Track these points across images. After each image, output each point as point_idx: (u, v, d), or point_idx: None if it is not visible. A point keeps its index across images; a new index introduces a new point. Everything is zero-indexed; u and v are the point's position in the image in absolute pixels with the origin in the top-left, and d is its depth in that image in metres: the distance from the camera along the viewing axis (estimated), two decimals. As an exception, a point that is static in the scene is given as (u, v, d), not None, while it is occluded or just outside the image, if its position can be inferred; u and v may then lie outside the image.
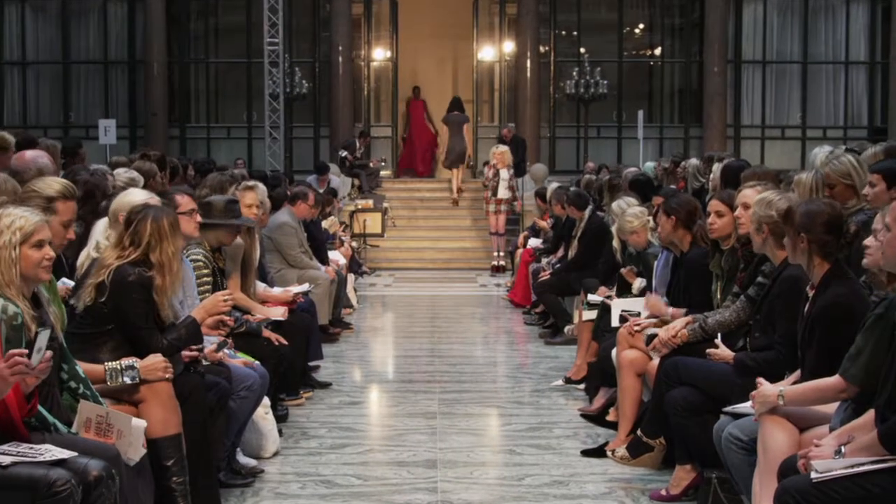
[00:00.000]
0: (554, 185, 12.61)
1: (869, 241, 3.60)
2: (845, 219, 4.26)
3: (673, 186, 10.37)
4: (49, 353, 3.43)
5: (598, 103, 20.32)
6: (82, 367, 4.02)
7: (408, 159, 21.42)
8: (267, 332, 6.11)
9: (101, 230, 4.97)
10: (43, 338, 3.40)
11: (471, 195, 18.58)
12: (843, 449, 3.35)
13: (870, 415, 3.43)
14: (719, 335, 4.94)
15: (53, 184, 4.63)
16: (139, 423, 3.95)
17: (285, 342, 6.14)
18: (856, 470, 3.24)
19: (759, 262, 4.91)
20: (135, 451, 3.87)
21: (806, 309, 4.10)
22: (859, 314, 3.75)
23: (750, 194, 4.92)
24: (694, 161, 11.50)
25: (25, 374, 3.31)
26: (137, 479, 3.88)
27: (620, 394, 5.83)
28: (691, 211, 5.67)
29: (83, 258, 4.87)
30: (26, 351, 3.34)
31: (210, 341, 5.01)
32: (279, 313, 6.57)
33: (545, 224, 12.31)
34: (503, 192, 15.40)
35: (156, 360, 4.29)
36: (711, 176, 7.84)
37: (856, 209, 5.07)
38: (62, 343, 3.84)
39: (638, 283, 6.98)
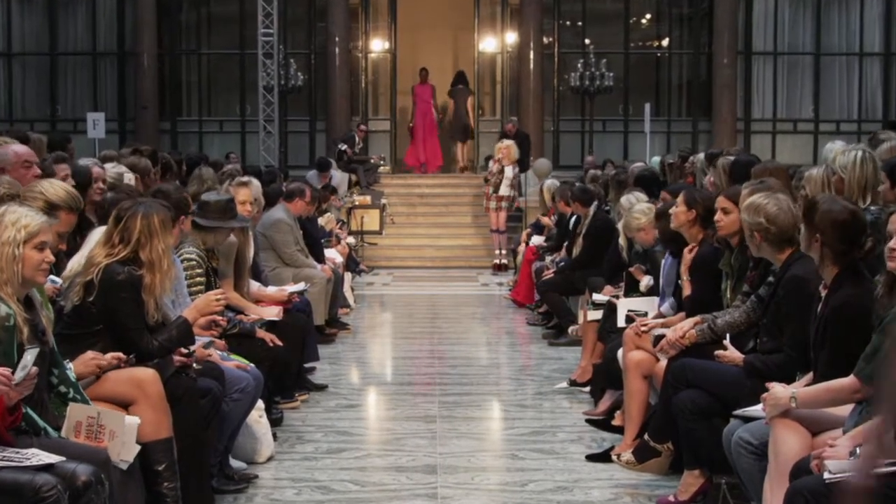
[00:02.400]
0: (549, 181, 12.60)
1: (893, 243, 3.57)
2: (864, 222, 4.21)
3: (682, 181, 10.36)
4: (34, 370, 3.43)
5: (603, 96, 20.31)
6: None
7: (413, 155, 20.33)
8: (261, 333, 6.11)
9: (96, 238, 4.90)
10: (30, 356, 3.41)
11: (472, 191, 18.58)
12: (858, 450, 3.35)
13: (885, 417, 3.43)
14: (728, 336, 4.93)
15: (60, 191, 4.64)
16: (132, 421, 3.95)
17: (280, 343, 6.15)
18: None
19: (769, 261, 4.90)
20: (128, 452, 3.86)
21: (819, 309, 4.09)
22: (873, 315, 3.73)
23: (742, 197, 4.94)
24: (702, 156, 11.48)
25: (6, 389, 3.32)
26: (128, 484, 3.88)
27: (626, 397, 5.82)
28: (711, 209, 5.64)
29: (73, 266, 4.71)
30: (9, 370, 3.35)
31: (201, 342, 5.01)
32: (274, 313, 6.57)
33: (549, 221, 12.31)
34: (504, 190, 15.41)
35: (84, 355, 4.26)
36: (713, 172, 7.77)
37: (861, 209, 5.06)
38: (53, 347, 3.84)
39: (646, 282, 6.98)
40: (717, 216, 5.32)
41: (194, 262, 5.72)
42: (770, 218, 4.51)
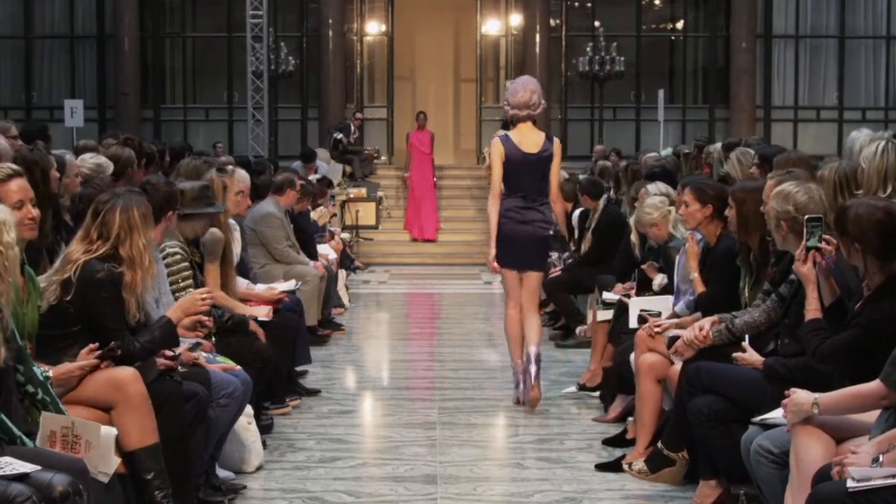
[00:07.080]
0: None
1: None
2: None
3: (698, 173, 10.36)
4: None
5: (614, 82, 20.32)
6: None
7: (415, 220, 17.77)
8: (254, 325, 6.12)
9: None
10: None
11: (474, 184, 18.58)
12: (881, 457, 3.36)
13: (913, 424, 3.44)
14: (747, 337, 4.93)
15: None
16: (109, 432, 3.93)
17: (264, 338, 6.13)
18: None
19: (791, 257, 4.89)
20: (106, 464, 3.84)
21: (857, 307, 4.08)
22: None
23: (769, 187, 4.91)
24: (719, 145, 11.49)
25: None
26: (106, 496, 3.87)
27: (639, 402, 5.82)
28: (725, 200, 5.62)
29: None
30: None
31: (187, 344, 5.01)
32: (263, 313, 6.56)
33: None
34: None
35: (68, 366, 4.24)
36: (729, 163, 7.75)
37: None
38: (19, 343, 3.83)
39: (659, 280, 6.97)
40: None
41: (179, 257, 5.70)
42: (799, 206, 4.49)
